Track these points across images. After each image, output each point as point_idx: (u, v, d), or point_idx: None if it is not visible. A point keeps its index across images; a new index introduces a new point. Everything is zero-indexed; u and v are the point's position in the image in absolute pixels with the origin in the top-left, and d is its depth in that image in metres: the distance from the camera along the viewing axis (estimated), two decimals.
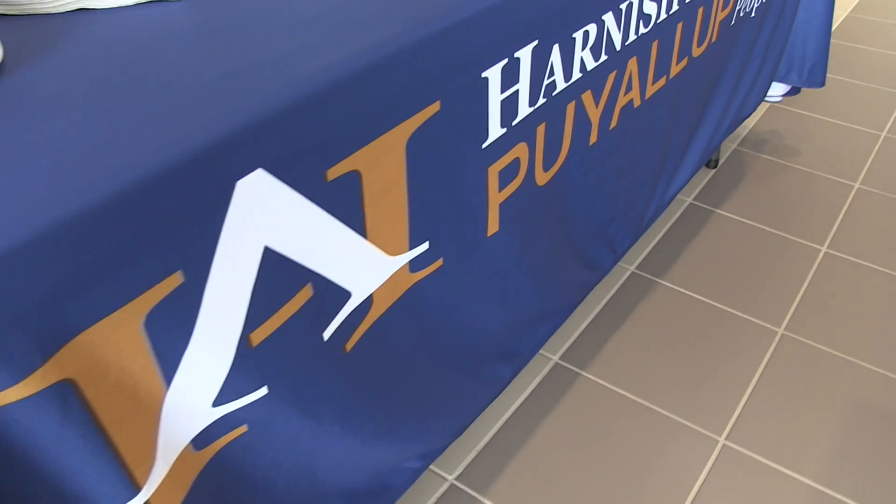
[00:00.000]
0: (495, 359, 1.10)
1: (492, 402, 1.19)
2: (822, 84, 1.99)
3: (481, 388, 1.10)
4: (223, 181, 0.59)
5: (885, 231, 1.86)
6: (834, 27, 2.95)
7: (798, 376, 1.48)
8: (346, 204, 0.71)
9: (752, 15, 1.56)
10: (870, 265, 1.75)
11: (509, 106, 0.87)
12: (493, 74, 0.81)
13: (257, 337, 0.69)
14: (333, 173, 0.68)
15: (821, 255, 1.79)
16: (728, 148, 2.17)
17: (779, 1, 1.68)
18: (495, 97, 0.83)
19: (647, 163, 1.31)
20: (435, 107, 0.75)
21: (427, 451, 1.02)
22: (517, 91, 0.87)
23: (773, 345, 1.56)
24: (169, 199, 0.56)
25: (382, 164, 0.72)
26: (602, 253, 1.30)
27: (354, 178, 0.70)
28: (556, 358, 1.52)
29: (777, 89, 2.05)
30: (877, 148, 2.19)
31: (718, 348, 1.54)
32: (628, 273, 1.73)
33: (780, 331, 1.59)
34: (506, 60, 0.82)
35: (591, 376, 1.48)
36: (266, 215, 0.64)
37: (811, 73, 1.98)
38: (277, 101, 0.62)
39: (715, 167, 2.07)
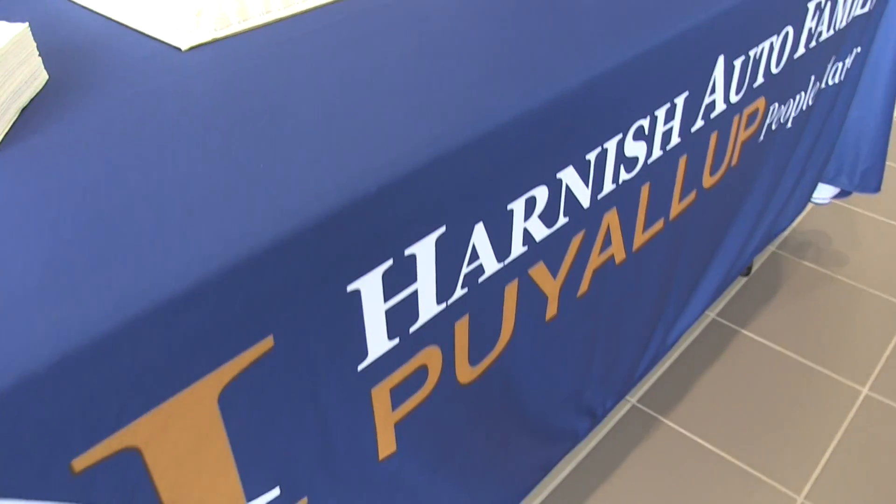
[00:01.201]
0: None
1: None
2: (878, 190, 1.72)
3: None
4: None
5: None
6: None
7: None
8: (119, 487, 0.51)
9: (789, 126, 1.32)
10: None
11: (402, 312, 0.66)
12: (368, 284, 0.61)
13: None
14: (84, 462, 0.48)
15: (860, 398, 1.52)
16: (766, 251, 1.91)
17: (825, 104, 1.43)
18: (375, 309, 0.62)
19: (637, 319, 1.08)
20: (266, 344, 0.55)
21: None
22: (415, 292, 0.66)
23: None
24: None
25: (179, 428, 0.52)
26: (573, 423, 1.07)
27: (129, 457, 0.51)
28: None
29: (824, 191, 1.78)
30: None
31: None
32: (628, 407, 1.49)
33: (801, 499, 1.34)
34: (389, 262, 0.62)
35: None
36: None
37: (864, 176, 1.71)
38: None
39: (747, 275, 1.82)
